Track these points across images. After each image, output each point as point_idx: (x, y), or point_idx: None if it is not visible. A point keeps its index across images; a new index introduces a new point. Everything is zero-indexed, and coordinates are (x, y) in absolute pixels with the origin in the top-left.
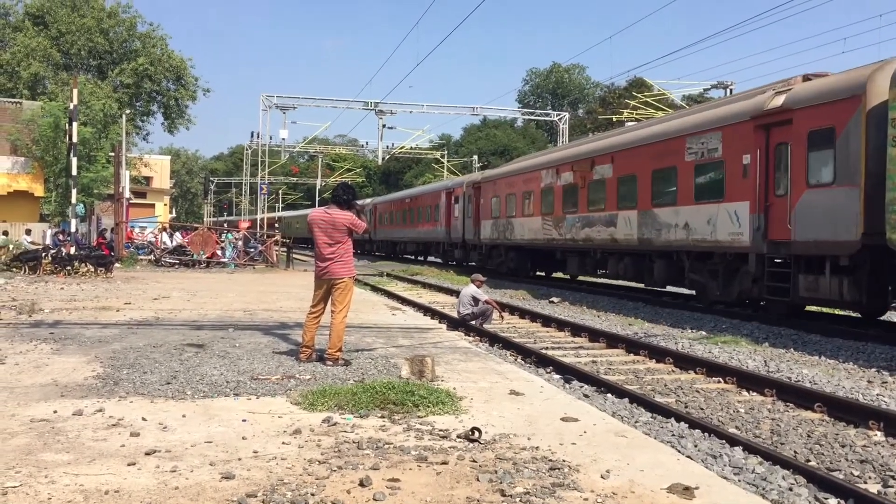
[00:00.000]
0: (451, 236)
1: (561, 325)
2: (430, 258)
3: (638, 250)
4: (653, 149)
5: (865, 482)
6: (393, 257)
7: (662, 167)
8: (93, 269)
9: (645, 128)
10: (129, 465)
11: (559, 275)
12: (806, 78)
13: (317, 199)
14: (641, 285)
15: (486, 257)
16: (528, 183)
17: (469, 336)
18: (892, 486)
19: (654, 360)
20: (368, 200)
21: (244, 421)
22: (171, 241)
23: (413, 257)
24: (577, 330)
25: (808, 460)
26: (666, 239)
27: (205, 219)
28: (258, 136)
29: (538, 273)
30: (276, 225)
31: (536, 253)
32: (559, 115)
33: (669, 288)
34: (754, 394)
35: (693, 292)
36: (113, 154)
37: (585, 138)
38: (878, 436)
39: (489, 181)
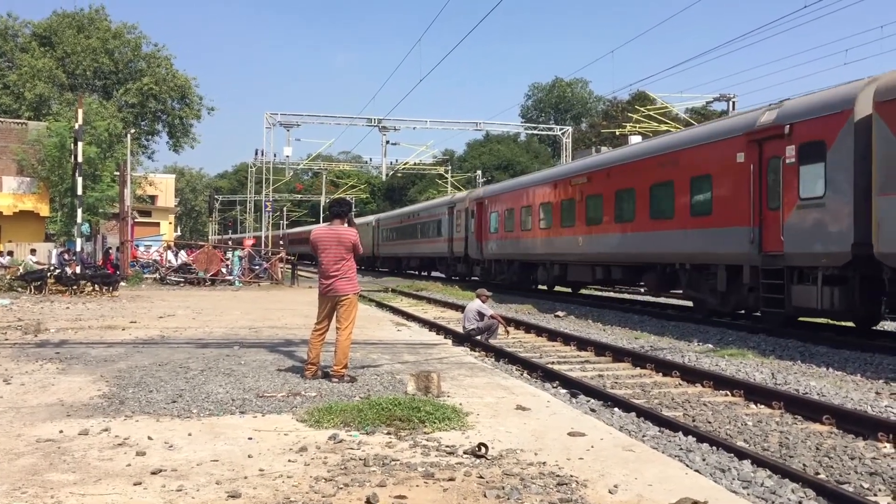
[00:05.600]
0: (763, 246)
1: (567, 339)
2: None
3: None
4: None
5: (875, 494)
6: (521, 290)
7: None
8: (98, 289)
9: None
10: (135, 484)
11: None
12: None
13: (321, 216)
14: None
15: None
16: None
17: (475, 351)
18: None
19: (660, 374)
20: (463, 194)
21: (250, 439)
22: (176, 260)
23: (584, 290)
24: (582, 344)
25: (818, 473)
26: None
27: (209, 237)
28: (262, 154)
29: None
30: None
31: None
32: (562, 129)
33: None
34: (762, 406)
35: None
36: (118, 173)
37: None
38: (888, 448)
39: None
